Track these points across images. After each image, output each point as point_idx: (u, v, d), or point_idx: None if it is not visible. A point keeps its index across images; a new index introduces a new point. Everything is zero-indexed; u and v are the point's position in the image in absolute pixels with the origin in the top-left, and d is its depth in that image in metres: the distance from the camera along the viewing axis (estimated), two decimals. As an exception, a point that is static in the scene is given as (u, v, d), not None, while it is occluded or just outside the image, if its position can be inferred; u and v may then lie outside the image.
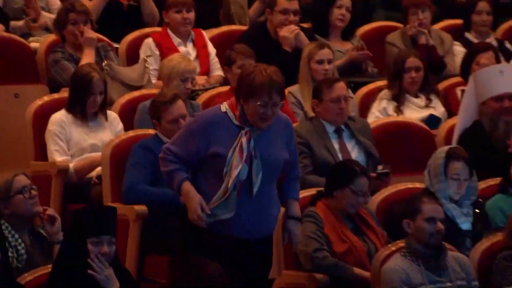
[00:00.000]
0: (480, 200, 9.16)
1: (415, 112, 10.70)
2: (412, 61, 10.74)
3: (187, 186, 7.37)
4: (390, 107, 10.69)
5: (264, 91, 7.30)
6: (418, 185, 9.34)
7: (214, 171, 7.36)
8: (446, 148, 9.29)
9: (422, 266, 8.32)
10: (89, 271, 7.44)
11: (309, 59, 10.56)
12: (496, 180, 9.36)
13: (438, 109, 10.80)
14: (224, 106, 7.45)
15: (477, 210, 9.05)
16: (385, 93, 10.76)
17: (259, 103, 7.29)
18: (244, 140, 7.35)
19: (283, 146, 7.56)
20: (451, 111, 10.66)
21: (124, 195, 9.22)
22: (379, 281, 8.39)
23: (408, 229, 8.38)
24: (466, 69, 10.82)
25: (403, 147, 10.19)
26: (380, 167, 9.51)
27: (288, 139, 7.61)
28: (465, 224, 8.99)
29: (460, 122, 9.98)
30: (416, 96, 10.78)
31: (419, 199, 8.48)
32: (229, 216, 7.34)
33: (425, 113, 10.69)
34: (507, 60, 11.42)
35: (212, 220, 7.33)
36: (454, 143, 9.77)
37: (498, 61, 11.13)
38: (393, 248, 8.51)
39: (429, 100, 10.80)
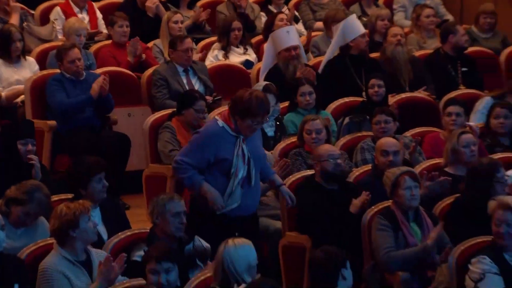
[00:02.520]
0: (280, 116, 9.13)
1: (236, 58, 10.64)
2: (235, 24, 10.67)
3: (206, 185, 6.97)
4: (220, 54, 10.59)
5: (259, 114, 6.94)
6: None
7: (221, 172, 6.98)
8: (263, 83, 9.22)
9: None
10: (30, 161, 7.59)
11: (168, 21, 10.47)
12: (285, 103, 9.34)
13: (251, 56, 10.74)
14: (220, 122, 7.00)
15: (277, 123, 9.05)
16: (216, 45, 10.68)
17: (255, 122, 6.96)
18: (244, 146, 7.00)
19: (259, 144, 7.25)
20: (260, 58, 10.52)
21: (48, 113, 9.26)
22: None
23: None
24: (269, 29, 10.63)
25: (229, 81, 10.13)
26: (214, 95, 9.65)
27: (258, 136, 7.26)
28: (270, 132, 8.98)
29: (264, 65, 9.98)
30: (237, 47, 10.70)
31: None
32: (236, 205, 7.02)
33: (243, 58, 10.65)
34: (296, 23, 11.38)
35: (225, 210, 7.02)
36: (261, 80, 9.75)
37: (290, 23, 11.04)
38: None
39: (245, 49, 10.73)
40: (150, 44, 10.62)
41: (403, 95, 9.67)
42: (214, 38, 10.92)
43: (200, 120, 8.86)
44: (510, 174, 7.70)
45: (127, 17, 10.48)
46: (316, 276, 6.09)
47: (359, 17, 11.03)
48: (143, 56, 10.33)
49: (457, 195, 7.60)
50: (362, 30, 9.98)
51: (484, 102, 9.40)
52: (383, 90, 9.28)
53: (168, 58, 10.02)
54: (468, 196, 7.47)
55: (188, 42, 9.80)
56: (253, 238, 6.45)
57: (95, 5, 11.27)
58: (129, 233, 7.06)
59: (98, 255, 6.52)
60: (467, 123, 8.70)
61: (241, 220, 7.04)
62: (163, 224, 6.84)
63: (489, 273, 6.56)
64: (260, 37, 11.15)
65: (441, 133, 8.85)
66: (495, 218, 6.70)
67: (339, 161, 7.81)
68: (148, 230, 6.99)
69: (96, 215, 7.12)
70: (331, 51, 10.11)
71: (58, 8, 10.95)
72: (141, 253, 6.74)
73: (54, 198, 7.40)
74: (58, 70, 9.42)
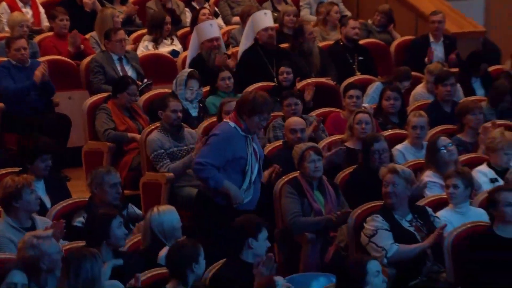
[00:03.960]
0: (203, 99, 9.09)
1: (164, 48, 10.54)
2: (167, 18, 10.53)
3: (227, 183, 6.62)
4: (150, 45, 10.49)
5: (265, 110, 6.66)
6: (164, 90, 9.24)
7: (236, 170, 6.67)
8: (188, 70, 9.21)
9: (170, 137, 8.21)
10: None
11: (112, 16, 10.32)
12: (207, 87, 9.28)
13: (177, 46, 10.62)
14: (231, 123, 6.69)
15: (200, 104, 9.04)
16: (146, 37, 10.57)
17: (261, 118, 6.66)
18: (254, 145, 6.74)
19: (258, 142, 6.97)
20: (185, 48, 10.44)
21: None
22: (145, 147, 8.26)
23: (161, 116, 8.26)
24: (194, 23, 10.57)
25: (158, 68, 10.10)
26: (145, 80, 9.57)
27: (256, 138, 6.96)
28: (194, 113, 8.99)
29: (190, 54, 9.94)
30: (165, 39, 10.58)
31: (167, 98, 8.37)
32: (249, 198, 6.73)
33: (170, 48, 10.54)
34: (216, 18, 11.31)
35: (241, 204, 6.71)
36: (186, 67, 9.67)
37: (216, 17, 11.08)
38: (153, 127, 8.40)
39: (172, 40, 10.63)
40: (87, 36, 10.55)
41: (309, 80, 9.70)
42: (144, 31, 10.84)
43: (132, 102, 8.84)
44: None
45: (66, 11, 10.38)
46: (231, 243, 6.07)
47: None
48: (82, 46, 10.29)
49: (355, 166, 7.71)
50: (265, 24, 9.92)
51: (376, 86, 9.54)
52: (291, 76, 9.35)
53: (103, 48, 9.96)
54: (362, 166, 7.62)
55: (121, 33, 9.77)
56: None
57: (38, 0, 11.14)
58: (70, 202, 7.06)
59: (43, 221, 6.50)
60: (362, 104, 8.82)
61: (252, 212, 6.62)
62: (101, 194, 6.82)
63: (381, 229, 6.65)
64: (185, 29, 11.06)
65: (342, 113, 8.94)
66: (384, 180, 6.80)
67: None
68: (87, 199, 6.99)
69: (40, 187, 7.13)
70: (243, 42, 10.10)
71: (4, 4, 10.83)
72: (81, 219, 6.74)
73: (2, 171, 7.39)
74: (5, 58, 9.31)
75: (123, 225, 6.12)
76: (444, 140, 7.62)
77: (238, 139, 6.65)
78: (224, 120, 6.90)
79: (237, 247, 5.98)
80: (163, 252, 6.12)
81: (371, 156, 7.49)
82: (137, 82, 9.31)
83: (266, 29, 9.90)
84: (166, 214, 6.32)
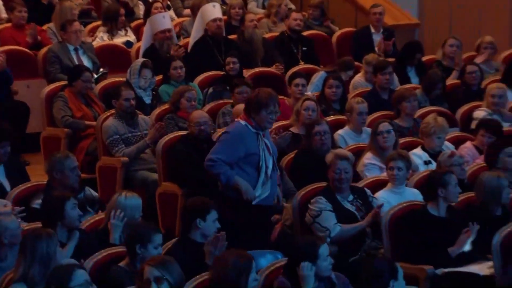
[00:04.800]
0: (156, 87, 8.99)
1: (119, 39, 10.44)
2: (122, 11, 10.48)
3: (238, 179, 6.37)
4: (105, 36, 10.39)
5: (270, 103, 6.42)
6: (119, 78, 9.12)
7: (251, 166, 6.42)
8: (142, 59, 9.04)
9: (125, 123, 8.19)
10: None
11: (60, 7, 10.21)
12: (160, 76, 9.21)
13: (131, 37, 10.55)
14: (242, 121, 6.46)
15: (154, 92, 8.98)
16: (102, 28, 10.46)
17: (268, 111, 6.41)
18: (266, 140, 6.50)
19: (270, 138, 6.74)
20: (139, 39, 10.35)
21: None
22: (101, 133, 8.21)
23: (115, 105, 8.22)
24: (147, 15, 10.46)
25: (113, 58, 9.98)
26: (101, 70, 9.50)
27: (268, 135, 6.73)
28: (148, 100, 8.92)
29: (143, 44, 9.84)
30: (120, 30, 10.47)
31: (120, 87, 8.32)
32: (267, 193, 6.46)
33: (124, 39, 10.43)
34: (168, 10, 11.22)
35: (258, 199, 6.44)
36: (140, 57, 9.56)
37: (168, 9, 10.97)
38: (108, 114, 8.37)
39: (126, 31, 10.55)
40: (44, 27, 10.41)
41: (256, 69, 9.70)
42: (99, 22, 10.74)
43: (87, 89, 8.76)
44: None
45: (24, 3, 10.20)
46: (181, 222, 6.05)
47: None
48: (39, 37, 10.16)
49: (297, 150, 7.70)
50: (214, 15, 9.86)
51: (320, 75, 9.53)
52: (238, 66, 9.30)
53: (60, 39, 9.84)
54: (305, 149, 7.60)
55: (77, 25, 9.67)
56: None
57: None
58: (28, 185, 7.00)
59: (2, 204, 6.41)
60: (306, 92, 8.85)
61: (268, 209, 6.48)
62: (62, 178, 6.76)
63: (324, 210, 6.67)
64: (139, 21, 10.97)
65: (287, 100, 8.92)
66: (336, 168, 6.80)
67: (202, 127, 7.74)
68: (45, 182, 6.92)
69: (0, 171, 7.05)
70: (194, 33, 10.05)
71: None
72: (39, 201, 6.69)
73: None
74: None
75: (77, 206, 6.07)
76: (385, 125, 7.66)
77: (249, 136, 6.43)
78: (236, 119, 6.69)
79: (186, 227, 5.93)
80: (112, 231, 6.11)
81: (313, 137, 7.47)
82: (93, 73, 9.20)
83: (214, 20, 9.85)
84: (132, 201, 6.27)
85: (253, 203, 6.36)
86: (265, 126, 6.47)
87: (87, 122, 8.65)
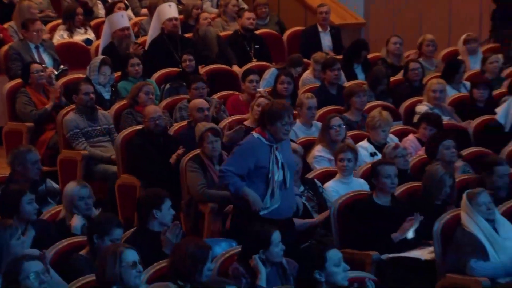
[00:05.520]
0: (115, 83, 8.94)
1: (79, 37, 10.34)
2: (79, 10, 10.39)
3: (247, 189, 6.12)
4: (65, 34, 10.28)
5: (284, 114, 6.13)
6: (79, 75, 9.04)
7: (260, 178, 6.16)
8: (101, 57, 9.05)
9: (85, 118, 8.14)
10: None
11: (29, 8, 10.05)
12: (119, 73, 9.13)
13: (91, 35, 10.47)
14: (256, 134, 6.21)
15: (113, 88, 8.92)
16: (62, 26, 10.33)
17: (283, 123, 6.12)
18: (277, 154, 6.17)
19: (290, 153, 6.43)
20: (98, 36, 10.19)
21: None
22: (62, 127, 8.18)
23: (75, 100, 8.20)
24: (108, 13, 10.41)
25: (73, 55, 9.91)
26: (61, 66, 9.43)
27: (290, 148, 6.45)
28: (107, 96, 8.85)
29: (102, 42, 9.74)
30: (79, 28, 10.40)
31: (79, 83, 8.26)
32: (277, 206, 6.17)
33: (84, 37, 10.37)
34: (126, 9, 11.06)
35: (266, 211, 6.16)
36: (99, 54, 9.47)
37: (126, 8, 10.91)
38: (69, 109, 8.30)
39: (86, 29, 10.47)
40: (6, 25, 10.28)
41: (211, 66, 9.67)
42: (59, 21, 10.62)
43: (41, 80, 8.68)
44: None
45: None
46: (138, 214, 6.01)
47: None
48: (1, 35, 10.02)
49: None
50: (170, 15, 9.80)
51: (271, 71, 9.54)
52: (194, 63, 9.28)
53: (21, 37, 9.72)
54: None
55: (38, 24, 9.56)
56: (290, 237, 6.06)
57: None
58: (-10, 178, 6.91)
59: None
60: (258, 89, 8.83)
61: (279, 223, 6.08)
62: (23, 171, 6.70)
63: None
64: (98, 20, 10.90)
65: (240, 96, 8.93)
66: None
67: (157, 122, 7.73)
68: (8, 175, 6.85)
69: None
70: (151, 32, 10.00)
71: None
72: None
73: None
74: None
75: (34, 201, 5.96)
76: (336, 120, 7.69)
77: (261, 149, 6.17)
78: (251, 132, 6.41)
79: (143, 218, 5.90)
80: (74, 221, 6.09)
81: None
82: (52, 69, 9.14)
83: (170, 19, 9.81)
84: (83, 187, 6.25)
85: (261, 214, 6.12)
86: (280, 137, 6.19)
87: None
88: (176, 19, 9.85)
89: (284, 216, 6.21)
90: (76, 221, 6.11)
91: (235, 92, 9.16)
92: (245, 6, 11.64)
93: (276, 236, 5.57)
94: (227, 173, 6.17)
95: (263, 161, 6.15)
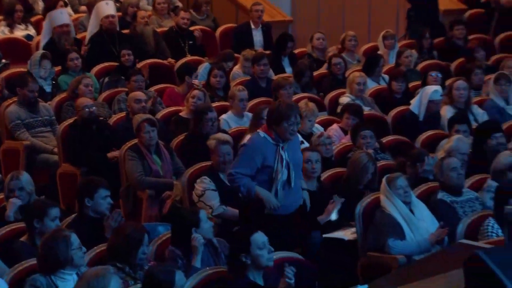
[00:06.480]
0: (55, 77, 8.87)
1: (20, 32, 10.25)
2: (18, 7, 10.20)
3: (260, 189, 5.85)
4: (6, 30, 10.17)
5: (291, 114, 5.86)
6: (21, 69, 8.92)
7: (264, 177, 5.90)
8: (41, 52, 8.96)
9: (26, 109, 8.02)
10: None
11: None
12: (59, 67, 9.02)
13: (31, 31, 10.34)
14: (262, 133, 5.94)
15: (53, 82, 8.79)
16: (2, 22, 10.16)
17: (290, 123, 5.86)
18: (282, 153, 5.90)
19: (298, 152, 6.14)
20: (39, 32, 10.01)
21: None
22: (4, 118, 8.03)
23: (19, 92, 8.06)
24: (48, 10, 10.17)
25: (14, 50, 9.77)
26: (3, 61, 9.26)
27: (298, 146, 6.22)
28: (48, 89, 8.77)
29: (43, 38, 9.59)
30: (20, 24, 10.26)
31: (27, 78, 8.10)
32: (280, 204, 5.88)
33: (25, 33, 10.22)
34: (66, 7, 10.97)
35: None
36: (40, 49, 9.35)
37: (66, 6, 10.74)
38: (11, 101, 8.16)
39: (27, 25, 10.26)
40: None
41: (148, 61, 9.60)
42: (0, 17, 10.44)
43: None
44: None
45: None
46: (77, 200, 5.94)
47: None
48: None
49: (186, 133, 7.66)
50: (107, 12, 9.70)
51: (205, 66, 9.51)
52: (132, 58, 9.22)
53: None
54: (194, 132, 7.57)
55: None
56: (298, 228, 5.95)
57: None
58: None
59: None
60: (192, 81, 8.81)
61: (284, 218, 5.93)
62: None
63: (208, 190, 6.64)
64: (39, 16, 10.74)
65: (176, 88, 8.91)
66: (214, 150, 6.78)
67: (91, 109, 7.68)
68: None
69: None
70: (90, 28, 9.91)
71: None
72: None
73: None
74: None
75: None
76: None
77: (267, 148, 5.89)
78: (257, 131, 6.14)
79: (80, 205, 5.82)
80: (8, 208, 6.01)
81: (204, 123, 7.44)
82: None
83: (107, 17, 9.73)
84: (25, 177, 6.16)
85: (273, 212, 5.87)
86: (286, 137, 5.91)
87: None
88: (113, 16, 9.76)
89: (289, 212, 5.96)
90: (9, 208, 6.02)
91: (171, 85, 9.11)
92: (179, 4, 11.61)
93: (203, 214, 5.58)
94: (237, 176, 5.87)
95: (269, 160, 5.89)
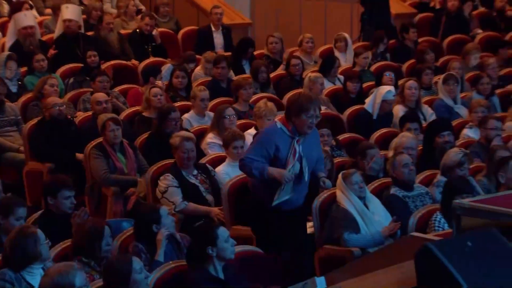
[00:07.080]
0: (21, 77, 8.81)
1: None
2: (3, 8, 10.31)
3: (271, 168, 5.65)
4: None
5: (310, 107, 5.63)
6: None
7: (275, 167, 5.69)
8: (7, 53, 8.90)
9: None
10: None
11: None
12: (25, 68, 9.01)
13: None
14: (279, 123, 5.74)
15: (19, 82, 8.75)
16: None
17: (309, 115, 5.63)
18: (296, 146, 5.69)
19: (315, 148, 5.92)
20: (4, 34, 9.88)
21: None
22: None
23: None
24: (13, 12, 10.15)
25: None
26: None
27: (317, 142, 6.00)
28: (14, 89, 8.67)
29: (8, 39, 9.51)
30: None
31: None
32: (288, 197, 5.73)
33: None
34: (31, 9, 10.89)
35: (278, 202, 5.74)
36: (5, 51, 9.22)
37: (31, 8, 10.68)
38: None
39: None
40: None
41: (112, 62, 9.53)
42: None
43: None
44: None
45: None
46: (43, 197, 5.90)
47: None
48: None
49: (150, 131, 7.66)
50: (67, 17, 9.61)
51: (168, 67, 9.49)
52: (97, 59, 9.18)
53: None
54: (157, 131, 7.55)
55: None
56: (300, 226, 5.85)
57: None
58: None
59: None
60: (155, 82, 8.78)
61: (289, 212, 5.79)
62: None
63: (171, 187, 6.63)
64: (5, 18, 10.59)
65: (140, 89, 8.86)
66: (179, 147, 6.75)
67: (61, 108, 7.63)
68: None
69: None
70: (56, 30, 9.82)
71: None
72: None
73: None
74: None
75: None
76: (229, 110, 7.73)
77: (281, 138, 5.68)
78: (274, 121, 5.95)
79: (45, 202, 5.79)
80: None
81: (168, 122, 7.42)
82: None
83: (65, 21, 9.66)
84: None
85: (273, 204, 5.71)
86: (304, 130, 5.68)
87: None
88: (70, 20, 9.61)
89: (294, 206, 5.82)
90: None
91: (134, 85, 9.07)
92: (142, 7, 11.57)
93: (163, 210, 5.58)
94: (247, 159, 5.68)
95: (282, 152, 5.67)
